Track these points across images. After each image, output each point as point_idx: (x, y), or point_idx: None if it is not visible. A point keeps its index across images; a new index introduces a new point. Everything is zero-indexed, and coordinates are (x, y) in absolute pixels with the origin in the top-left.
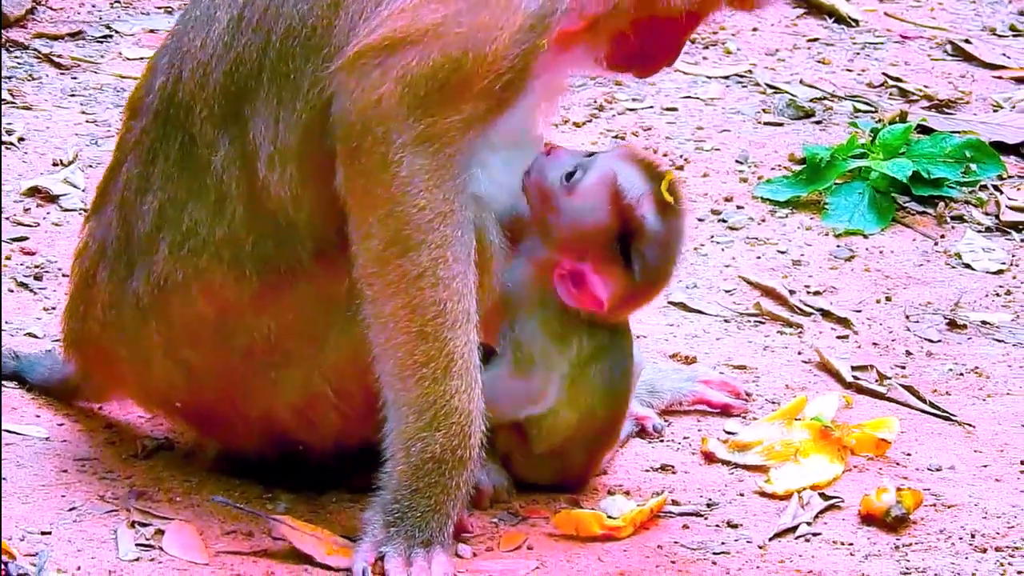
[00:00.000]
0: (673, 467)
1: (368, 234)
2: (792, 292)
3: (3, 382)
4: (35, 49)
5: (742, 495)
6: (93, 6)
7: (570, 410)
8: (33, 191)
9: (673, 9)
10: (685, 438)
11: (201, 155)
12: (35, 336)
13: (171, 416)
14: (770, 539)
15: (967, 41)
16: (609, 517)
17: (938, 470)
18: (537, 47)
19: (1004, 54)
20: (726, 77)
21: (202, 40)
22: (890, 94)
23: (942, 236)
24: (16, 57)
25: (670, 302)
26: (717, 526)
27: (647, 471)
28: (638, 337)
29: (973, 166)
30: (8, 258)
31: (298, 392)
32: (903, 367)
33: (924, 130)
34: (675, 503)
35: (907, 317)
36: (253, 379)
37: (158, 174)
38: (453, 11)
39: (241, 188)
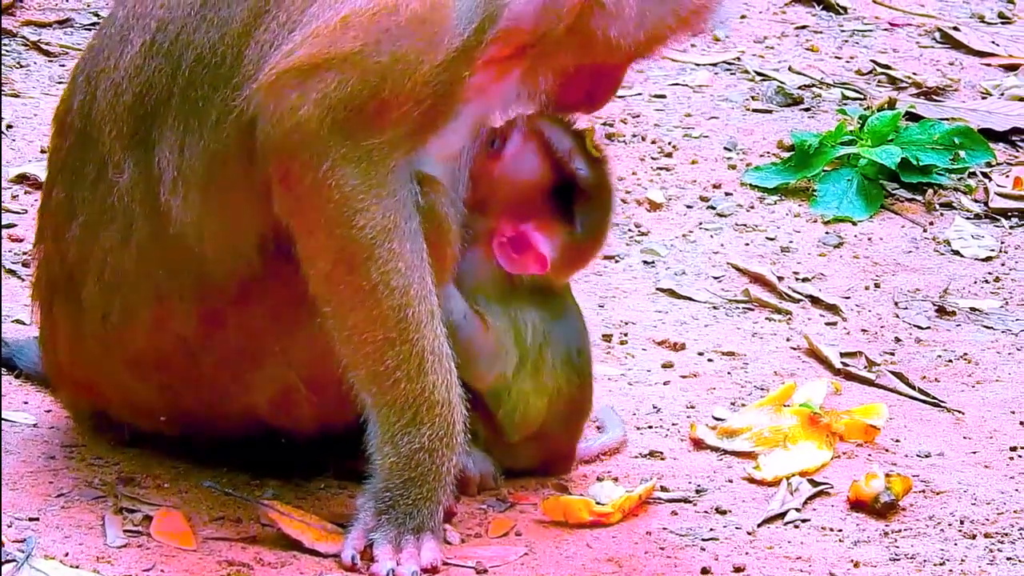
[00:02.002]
0: (662, 453)
1: (313, 257)
2: (781, 279)
3: None
4: (23, 37)
5: (731, 481)
6: None
7: (537, 396)
8: (21, 178)
9: (615, 55)
10: (674, 424)
11: (110, 178)
12: (22, 323)
13: (156, 425)
14: (759, 525)
15: (956, 28)
16: (598, 503)
17: (927, 456)
18: (460, 77)
19: (993, 41)
20: (714, 64)
21: (116, 61)
22: (879, 81)
23: (931, 223)
24: (4, 45)
25: (659, 289)
26: (706, 512)
27: (635, 458)
28: (627, 324)
29: (962, 153)
30: None
31: (273, 388)
32: (892, 354)
33: (913, 117)
34: (664, 489)
35: (896, 304)
36: (228, 385)
37: (79, 199)
38: (374, 40)
39: (145, 212)
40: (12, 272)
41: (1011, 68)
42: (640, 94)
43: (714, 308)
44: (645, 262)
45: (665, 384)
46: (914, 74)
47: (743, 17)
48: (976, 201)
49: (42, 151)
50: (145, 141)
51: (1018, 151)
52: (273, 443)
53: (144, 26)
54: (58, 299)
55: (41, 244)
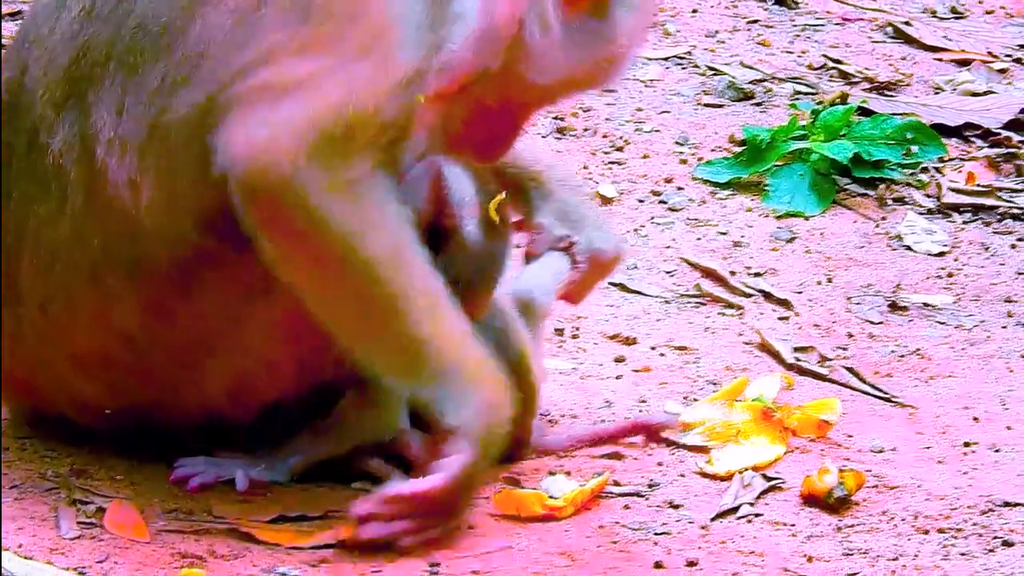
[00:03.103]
0: (615, 449)
1: (309, 289)
2: (733, 273)
3: None
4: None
5: (683, 476)
6: None
7: None
8: None
9: (530, 96)
10: (626, 418)
11: (42, 142)
12: None
13: (102, 423)
14: (712, 519)
15: (908, 23)
16: (550, 497)
17: (880, 452)
18: (414, 102)
19: (945, 36)
20: (666, 59)
21: (50, 28)
22: (831, 76)
23: (883, 218)
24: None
25: (610, 283)
26: (659, 507)
27: (588, 453)
28: (579, 318)
29: (914, 148)
30: None
31: (228, 377)
32: (845, 349)
33: (865, 112)
34: (616, 483)
35: (848, 299)
36: (179, 378)
37: (12, 173)
38: (329, 65)
39: (80, 174)
40: None
41: (963, 63)
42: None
43: (666, 303)
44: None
45: (617, 378)
46: (866, 69)
47: (694, 11)
48: (928, 196)
49: None
50: (81, 102)
51: (970, 146)
52: (226, 435)
53: None
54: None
55: None
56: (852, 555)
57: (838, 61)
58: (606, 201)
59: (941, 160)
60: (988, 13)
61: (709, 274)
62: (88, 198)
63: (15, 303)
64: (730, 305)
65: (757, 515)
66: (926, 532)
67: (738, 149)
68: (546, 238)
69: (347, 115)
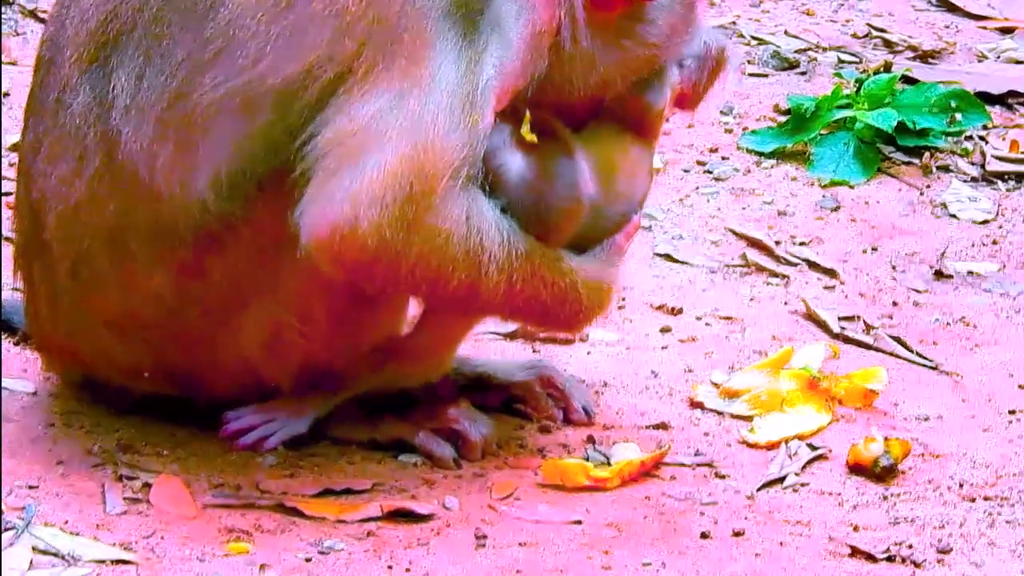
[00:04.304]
0: (667, 422)
1: (420, 301)
2: (778, 243)
3: None
4: (20, 4)
5: (729, 446)
6: None
7: None
8: (17, 147)
9: (567, 97)
10: (672, 389)
11: (66, 101)
12: (20, 291)
13: (143, 386)
14: (758, 489)
15: None
16: (596, 467)
17: (926, 420)
18: (475, 124)
19: (989, 4)
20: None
21: None
22: (874, 45)
23: (928, 186)
24: (1, 13)
25: (656, 253)
26: (704, 477)
27: (636, 424)
28: (624, 288)
29: (958, 116)
30: None
31: (263, 330)
32: (890, 317)
33: (909, 81)
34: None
35: (893, 267)
36: (215, 332)
37: (43, 130)
38: (386, 101)
39: (96, 137)
40: (11, 240)
41: (1007, 31)
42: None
43: (711, 272)
44: (642, 227)
45: (663, 349)
46: (910, 37)
47: None
48: (972, 164)
49: None
50: (104, 67)
51: (1014, 114)
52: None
53: None
54: (35, 258)
55: (17, 197)
56: (898, 523)
57: (882, 30)
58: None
59: (985, 128)
60: None
61: (754, 243)
62: (104, 162)
63: (49, 267)
64: (775, 274)
65: (803, 484)
66: (972, 500)
67: (783, 118)
68: None
69: (419, 165)
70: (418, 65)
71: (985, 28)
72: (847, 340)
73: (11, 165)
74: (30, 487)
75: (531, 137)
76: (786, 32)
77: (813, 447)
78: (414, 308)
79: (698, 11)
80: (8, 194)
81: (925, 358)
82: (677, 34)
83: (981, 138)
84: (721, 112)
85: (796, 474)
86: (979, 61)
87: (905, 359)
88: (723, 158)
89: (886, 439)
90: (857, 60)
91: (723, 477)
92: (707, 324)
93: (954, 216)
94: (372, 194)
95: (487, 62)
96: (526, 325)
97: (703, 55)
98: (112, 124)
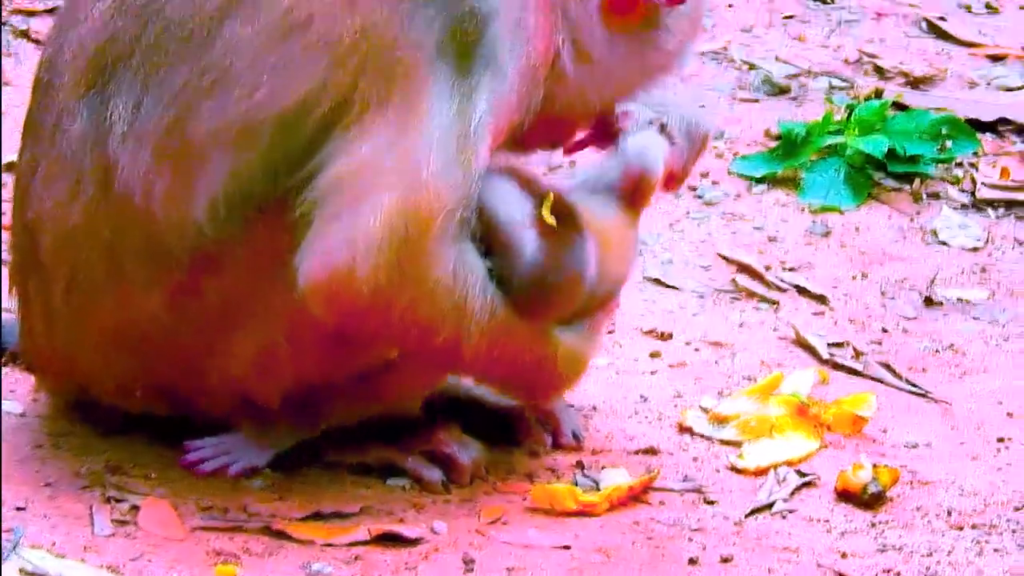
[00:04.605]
0: (656, 447)
1: (404, 353)
2: (768, 268)
3: None
4: (12, 25)
5: (718, 471)
6: None
7: None
8: (11, 167)
9: (580, 112)
10: (661, 413)
11: (63, 125)
12: (12, 311)
13: (135, 404)
14: (746, 515)
15: (942, 18)
16: (585, 492)
17: (915, 447)
18: (471, 163)
19: (980, 31)
20: (701, 54)
21: (86, 15)
22: (866, 71)
23: (918, 213)
24: None
25: (645, 277)
26: (693, 502)
27: (624, 449)
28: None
29: (949, 143)
30: None
31: (254, 350)
32: (879, 343)
33: (900, 107)
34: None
35: (883, 294)
36: (207, 351)
37: (40, 153)
38: (383, 140)
39: (93, 162)
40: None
41: (998, 58)
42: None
43: (701, 297)
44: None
45: (652, 373)
46: (901, 64)
47: (730, 6)
48: (963, 191)
49: None
50: (101, 92)
51: (1005, 141)
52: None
53: None
54: (30, 276)
55: (13, 218)
56: (886, 551)
57: (873, 56)
58: None
59: (976, 155)
60: (1022, 8)
61: (744, 269)
62: (100, 188)
63: (44, 286)
64: (765, 300)
65: (791, 511)
66: (960, 528)
67: (774, 144)
68: (636, 122)
69: (414, 207)
70: (412, 101)
71: (976, 55)
72: (836, 366)
73: (4, 186)
74: (18, 509)
75: (551, 220)
76: (777, 58)
77: (802, 473)
78: None
79: (703, 23)
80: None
81: (914, 385)
82: (688, 43)
83: (972, 165)
84: (712, 137)
85: (784, 500)
86: (970, 88)
87: (894, 386)
88: (714, 183)
89: (875, 466)
90: (848, 86)
91: (712, 503)
92: (696, 349)
93: (944, 243)
94: (369, 240)
95: (481, 97)
96: (504, 390)
97: (692, 135)
98: (109, 151)
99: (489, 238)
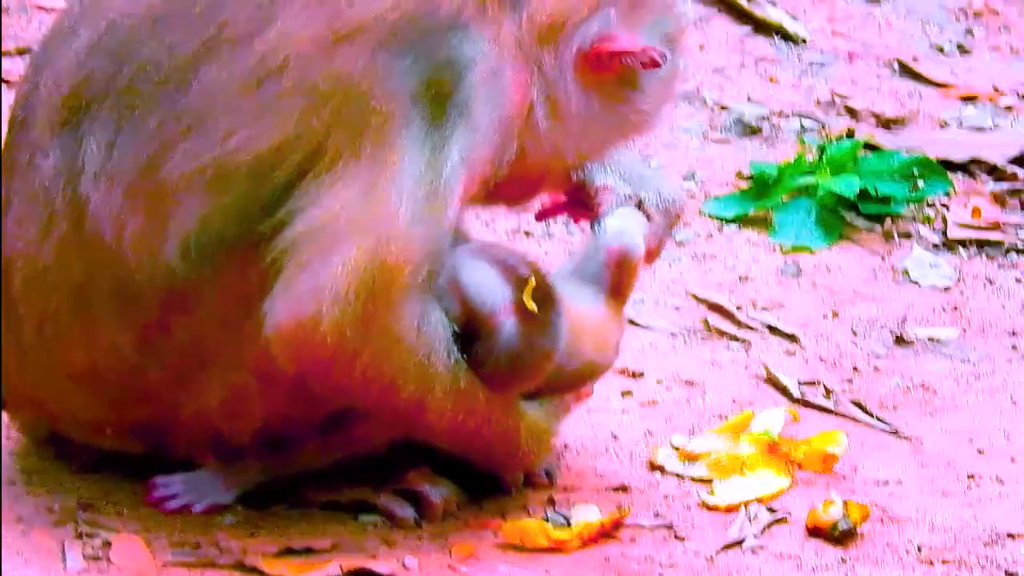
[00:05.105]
0: (622, 481)
1: (367, 411)
2: (739, 308)
3: None
4: None
5: (689, 508)
6: None
7: None
8: None
9: (555, 168)
10: (632, 452)
11: (37, 163)
12: None
13: (106, 442)
14: (717, 552)
15: (914, 60)
16: (556, 528)
17: (885, 484)
18: (440, 216)
19: (951, 72)
20: None
21: (62, 52)
22: (837, 112)
23: (889, 252)
24: None
25: None
26: (664, 539)
27: (595, 487)
28: None
29: (920, 183)
30: None
31: (224, 389)
32: (850, 382)
33: (871, 148)
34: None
35: (854, 333)
36: (178, 390)
37: (13, 190)
38: (352, 193)
39: (65, 201)
40: None
41: (969, 99)
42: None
43: (672, 336)
44: None
45: (624, 412)
46: (873, 104)
47: (701, 47)
48: (934, 231)
49: None
50: (75, 132)
51: (976, 181)
52: (229, 454)
53: (94, 23)
54: (0, 314)
55: None
56: None
57: (845, 97)
58: None
59: (947, 195)
60: (994, 50)
61: (716, 308)
62: (71, 227)
63: (15, 323)
64: (736, 339)
65: (762, 547)
66: (931, 564)
67: (745, 184)
68: (613, 198)
69: (381, 259)
70: (384, 151)
71: (948, 96)
72: (807, 404)
73: None
74: None
75: (531, 306)
76: (749, 98)
77: (772, 510)
78: None
79: (680, 82)
80: None
81: (885, 423)
82: (663, 104)
83: (943, 205)
84: (683, 178)
85: (755, 537)
86: (941, 128)
87: (865, 423)
88: (685, 224)
89: (845, 503)
90: (820, 127)
91: (682, 539)
92: (668, 388)
93: (915, 282)
94: (336, 291)
95: (453, 149)
96: (467, 458)
97: (668, 211)
98: (81, 190)
99: (466, 320)
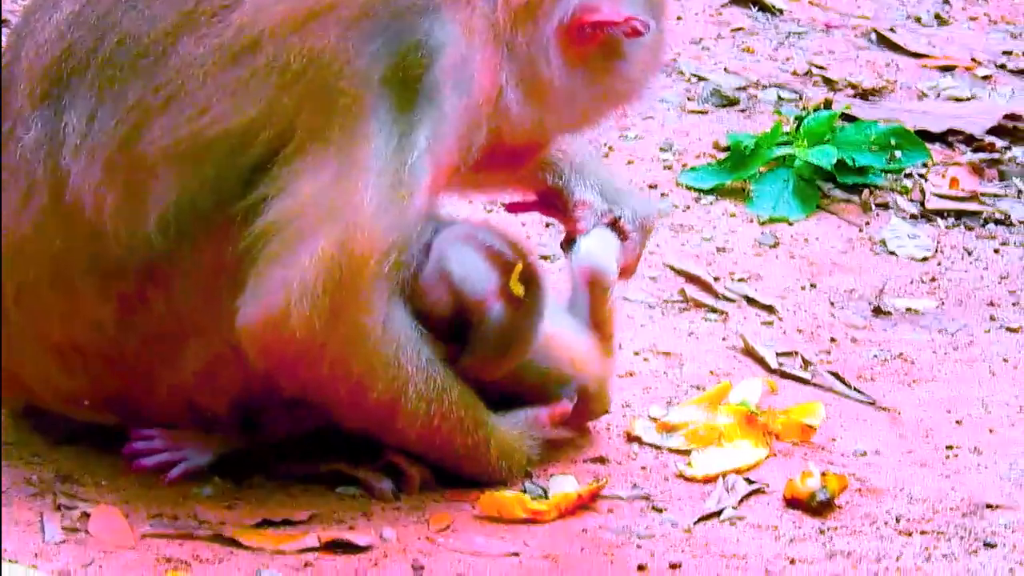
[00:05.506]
0: (605, 456)
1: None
2: (717, 279)
3: None
4: None
5: (667, 479)
6: None
7: None
8: None
9: (539, 141)
10: (610, 423)
11: (17, 134)
12: None
13: (84, 414)
14: (695, 523)
15: (892, 30)
16: (534, 499)
17: (863, 455)
18: (409, 206)
19: (929, 43)
20: None
21: (43, 24)
22: (815, 82)
23: (867, 223)
24: None
25: None
26: (642, 510)
27: (585, 462)
28: None
29: (898, 154)
30: None
31: (201, 361)
32: (828, 353)
33: (849, 118)
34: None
35: (832, 304)
36: (154, 362)
37: None
38: (323, 181)
39: (45, 173)
40: None
41: (947, 69)
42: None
43: (650, 307)
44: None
45: None
46: (850, 75)
47: (679, 19)
48: (912, 201)
49: None
50: (56, 103)
51: (954, 152)
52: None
53: None
54: None
55: None
56: (835, 557)
57: (822, 67)
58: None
59: (925, 165)
60: (972, 20)
61: (693, 279)
62: (51, 198)
63: None
64: (714, 310)
65: (740, 518)
66: (909, 535)
67: (722, 155)
68: (592, 214)
69: (349, 250)
70: (353, 135)
71: (925, 67)
72: (785, 375)
73: None
74: None
75: (519, 290)
76: (726, 70)
77: (750, 481)
78: None
79: (665, 50)
80: None
81: (863, 394)
82: (650, 72)
83: (921, 175)
84: (661, 149)
85: (733, 508)
86: (919, 99)
87: (843, 395)
88: (663, 194)
89: (823, 474)
90: (797, 98)
91: (660, 510)
92: (645, 359)
93: (893, 253)
94: (304, 284)
95: (420, 137)
96: (438, 465)
97: (644, 227)
98: (61, 162)
99: (456, 308)
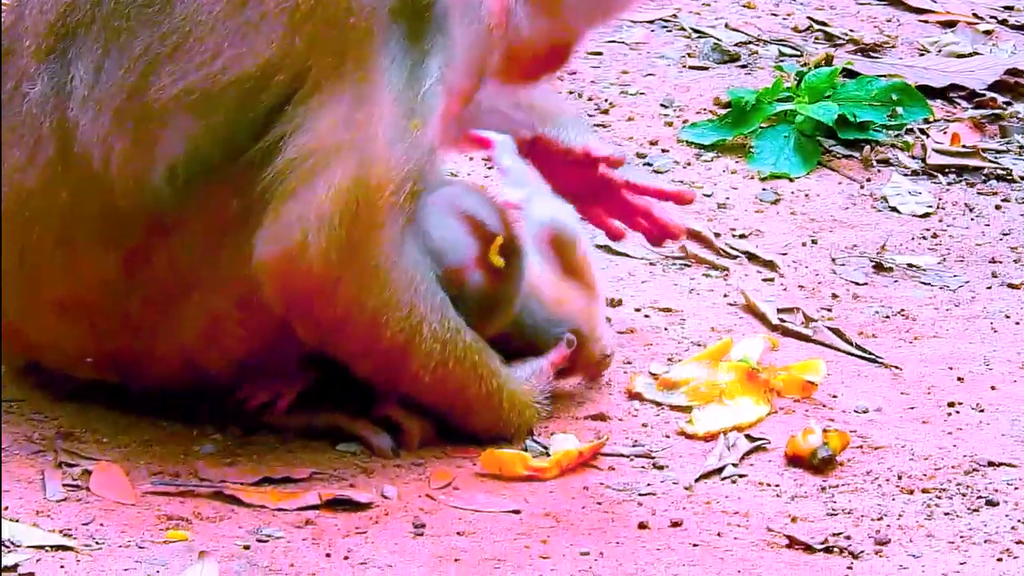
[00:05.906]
0: (606, 413)
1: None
2: (718, 235)
3: None
4: None
5: (668, 436)
6: None
7: None
8: None
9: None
10: (610, 380)
11: (23, 89)
12: None
13: (86, 371)
14: (696, 480)
15: None
16: (535, 457)
17: (865, 412)
18: (422, 139)
19: None
20: (651, 21)
21: None
22: (815, 38)
23: (868, 179)
24: None
25: (596, 245)
26: (643, 467)
27: (574, 416)
28: None
29: (899, 110)
30: None
31: (203, 319)
32: (829, 310)
33: (850, 74)
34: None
35: (833, 260)
36: (157, 319)
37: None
38: (337, 116)
39: (52, 126)
40: None
41: (949, 24)
42: (576, 51)
43: (651, 264)
44: (582, 218)
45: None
46: (851, 31)
47: None
48: (913, 158)
49: None
50: (62, 57)
51: (955, 108)
52: (207, 395)
53: None
54: None
55: None
56: (836, 515)
57: (823, 23)
58: None
59: (926, 121)
60: None
61: (694, 236)
62: (58, 151)
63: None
64: (715, 267)
65: (741, 476)
66: (910, 492)
67: (723, 111)
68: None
69: (364, 181)
70: (365, 71)
71: (927, 22)
72: (786, 332)
73: None
74: None
75: (499, 262)
76: (727, 25)
77: (751, 438)
78: None
79: None
80: None
81: (864, 351)
82: None
83: (922, 131)
84: (661, 105)
85: (734, 465)
86: (920, 55)
87: (844, 351)
88: (663, 151)
89: (825, 431)
90: (798, 53)
91: (661, 468)
92: (646, 316)
93: (895, 209)
94: (321, 216)
95: (432, 66)
96: (445, 416)
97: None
98: (68, 114)
99: (437, 273)
